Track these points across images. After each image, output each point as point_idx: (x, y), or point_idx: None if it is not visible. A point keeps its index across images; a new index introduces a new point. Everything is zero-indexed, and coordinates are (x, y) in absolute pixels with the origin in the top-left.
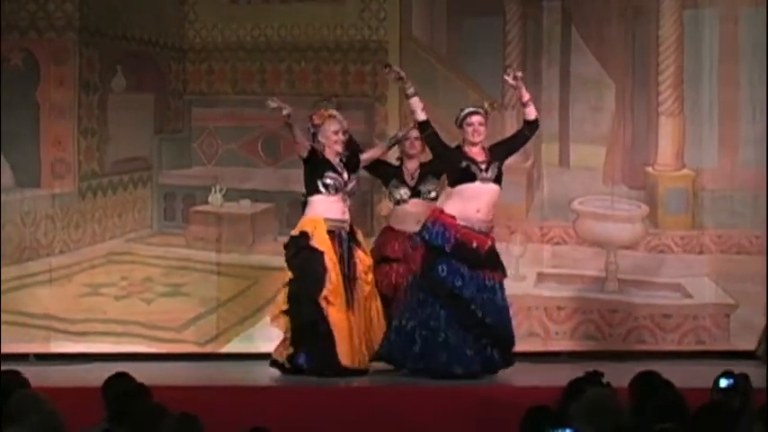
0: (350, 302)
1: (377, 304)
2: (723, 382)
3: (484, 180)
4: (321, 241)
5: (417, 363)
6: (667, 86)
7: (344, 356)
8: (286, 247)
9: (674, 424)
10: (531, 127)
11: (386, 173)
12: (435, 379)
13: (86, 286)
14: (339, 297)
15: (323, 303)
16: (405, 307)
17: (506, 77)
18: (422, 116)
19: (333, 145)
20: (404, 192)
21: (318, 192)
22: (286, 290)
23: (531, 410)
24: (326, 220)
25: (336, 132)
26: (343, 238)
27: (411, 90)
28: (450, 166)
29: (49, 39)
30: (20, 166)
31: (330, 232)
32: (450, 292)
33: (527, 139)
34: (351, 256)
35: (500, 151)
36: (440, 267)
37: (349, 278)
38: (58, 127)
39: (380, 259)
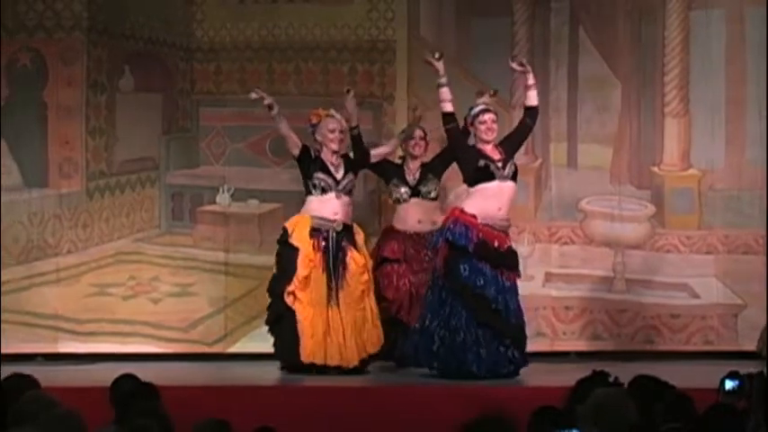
0: (332, 300)
1: (371, 304)
2: (728, 384)
3: (503, 178)
4: (299, 238)
5: (433, 361)
6: (673, 86)
7: (307, 353)
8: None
9: (681, 424)
10: (531, 114)
11: (387, 171)
12: (450, 379)
13: (94, 286)
14: (312, 293)
15: (288, 299)
16: (427, 307)
17: (512, 64)
18: (448, 107)
19: (329, 144)
20: (404, 191)
21: (310, 192)
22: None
23: (538, 411)
24: (313, 217)
25: (333, 131)
26: (331, 237)
27: (444, 80)
28: (467, 165)
29: (58, 39)
30: (27, 166)
31: (315, 230)
32: (472, 291)
33: (530, 129)
34: (342, 255)
35: (509, 147)
36: (462, 267)
37: (336, 277)
38: (65, 127)
39: (381, 260)
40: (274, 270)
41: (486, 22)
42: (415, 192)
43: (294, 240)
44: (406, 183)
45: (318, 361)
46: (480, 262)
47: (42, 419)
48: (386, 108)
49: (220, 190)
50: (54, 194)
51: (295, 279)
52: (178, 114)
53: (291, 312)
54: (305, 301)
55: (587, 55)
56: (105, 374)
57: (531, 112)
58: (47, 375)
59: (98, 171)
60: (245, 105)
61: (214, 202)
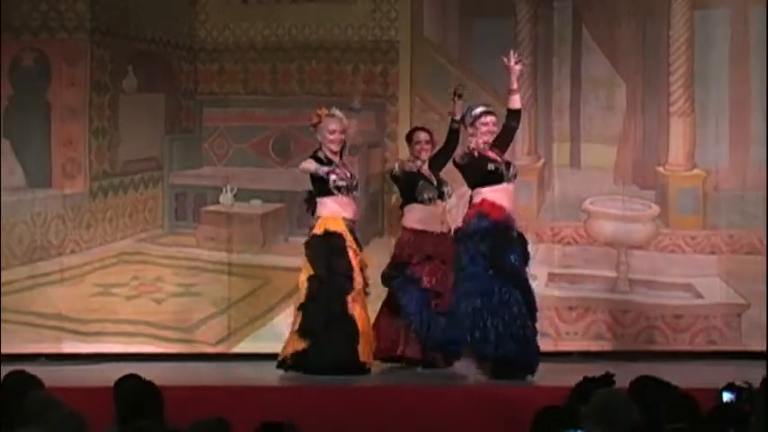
0: (364, 298)
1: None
2: (726, 396)
3: (509, 180)
4: (349, 239)
5: (494, 351)
6: (678, 86)
7: (364, 354)
8: (309, 242)
9: (685, 424)
10: (515, 116)
11: (411, 180)
12: (516, 378)
13: (97, 286)
14: (360, 295)
15: (350, 302)
16: (471, 293)
17: (506, 60)
18: (517, 105)
19: (328, 144)
20: (433, 193)
21: (331, 193)
22: (305, 285)
23: (542, 411)
24: (344, 219)
25: (332, 132)
26: (357, 236)
27: (515, 86)
28: (475, 168)
29: (61, 39)
30: (31, 167)
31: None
32: (525, 282)
33: (515, 131)
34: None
35: (500, 150)
36: (512, 257)
37: (363, 275)
38: (69, 127)
39: (425, 258)
40: (315, 271)
41: (489, 22)
42: (440, 193)
43: (347, 242)
44: (432, 185)
45: (377, 358)
46: (520, 255)
47: (46, 420)
48: (389, 108)
49: (223, 190)
50: (57, 195)
51: (355, 281)
52: (181, 115)
53: (350, 316)
54: (359, 302)
55: (591, 55)
56: (109, 375)
57: (514, 114)
58: (51, 375)
59: (101, 171)
60: (249, 106)
61: (217, 203)
